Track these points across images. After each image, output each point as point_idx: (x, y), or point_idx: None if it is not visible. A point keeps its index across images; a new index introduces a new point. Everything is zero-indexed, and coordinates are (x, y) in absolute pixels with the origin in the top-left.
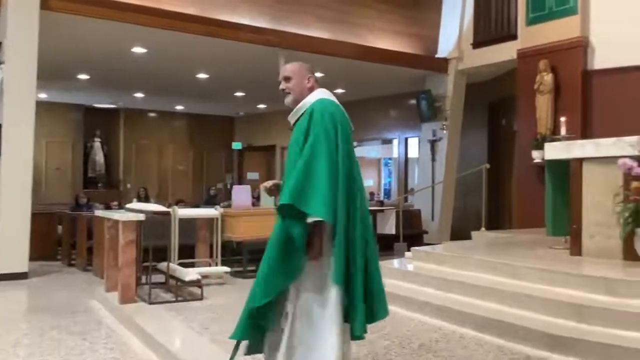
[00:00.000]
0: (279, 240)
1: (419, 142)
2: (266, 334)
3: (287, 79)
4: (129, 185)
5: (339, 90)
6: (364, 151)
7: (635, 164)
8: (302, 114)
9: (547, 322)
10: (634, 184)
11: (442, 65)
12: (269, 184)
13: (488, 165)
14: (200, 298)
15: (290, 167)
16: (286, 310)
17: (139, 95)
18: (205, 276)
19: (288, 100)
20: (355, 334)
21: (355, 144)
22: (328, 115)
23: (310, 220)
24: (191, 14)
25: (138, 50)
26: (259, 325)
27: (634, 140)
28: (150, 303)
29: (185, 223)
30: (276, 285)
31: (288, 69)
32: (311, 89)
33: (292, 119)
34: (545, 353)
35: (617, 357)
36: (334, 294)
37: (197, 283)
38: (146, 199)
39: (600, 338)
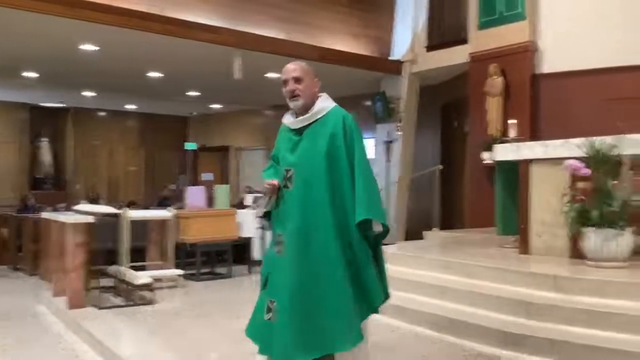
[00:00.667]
0: (370, 245)
1: (375, 143)
2: None
3: (298, 80)
4: (78, 187)
5: None
6: None
7: (581, 164)
8: (317, 119)
9: (499, 319)
10: (580, 184)
11: (396, 67)
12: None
13: (441, 167)
14: (152, 302)
15: (306, 166)
16: None
17: (89, 94)
18: (157, 280)
19: (297, 103)
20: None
21: None
22: (357, 128)
23: (378, 228)
24: (144, 12)
25: (88, 47)
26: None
27: (580, 142)
28: (100, 308)
29: (137, 225)
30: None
31: (297, 68)
32: (316, 93)
33: (299, 124)
34: (497, 350)
35: (565, 352)
36: None
37: (148, 287)
38: (96, 201)
39: (549, 334)
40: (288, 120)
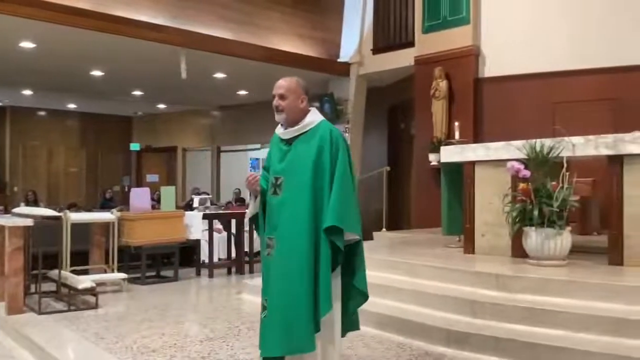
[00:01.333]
0: (329, 253)
1: None
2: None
3: (282, 96)
4: (15, 189)
5: (243, 92)
6: None
7: (522, 166)
8: (306, 131)
9: (444, 318)
10: (521, 185)
11: (344, 69)
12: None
13: (388, 168)
14: (95, 307)
15: (294, 174)
16: None
17: (27, 92)
18: (100, 284)
19: (280, 117)
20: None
21: (258, 146)
22: (343, 141)
23: (350, 238)
24: (83, 8)
25: (26, 45)
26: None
27: (520, 144)
28: (41, 313)
29: (79, 228)
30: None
31: (284, 86)
32: (304, 108)
33: (289, 134)
34: (442, 348)
35: (508, 350)
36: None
37: (91, 291)
38: (35, 203)
39: (493, 332)
40: (279, 130)
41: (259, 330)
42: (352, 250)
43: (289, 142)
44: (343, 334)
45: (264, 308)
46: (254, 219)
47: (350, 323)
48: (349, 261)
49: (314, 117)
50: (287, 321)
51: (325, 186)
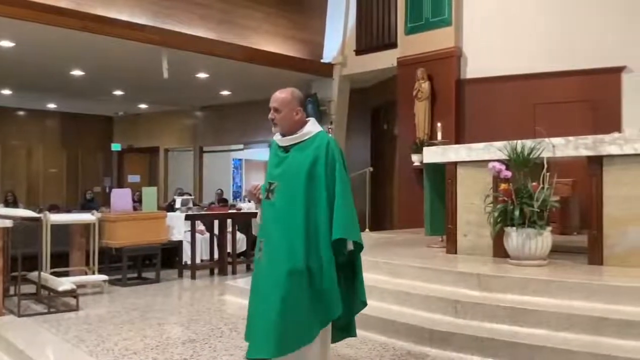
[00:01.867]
0: (333, 263)
1: None
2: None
3: (276, 110)
4: None
5: (225, 92)
6: (251, 154)
7: (503, 167)
8: (303, 140)
9: (427, 317)
10: (503, 185)
11: (327, 70)
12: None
13: (371, 169)
14: (76, 309)
15: (288, 180)
16: None
17: (6, 92)
18: (81, 285)
19: (275, 129)
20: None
21: (241, 146)
22: (340, 152)
23: (351, 246)
24: (62, 7)
25: (4, 43)
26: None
27: (502, 145)
28: (20, 315)
29: (59, 229)
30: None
31: (279, 99)
32: (300, 121)
33: (286, 142)
34: (425, 348)
35: (489, 349)
36: None
37: (72, 293)
38: (14, 204)
39: (475, 332)
40: (277, 137)
41: (242, 332)
42: (354, 255)
43: (286, 149)
44: (339, 339)
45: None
46: None
47: (346, 329)
48: (351, 267)
49: (312, 127)
50: (265, 327)
51: (321, 199)
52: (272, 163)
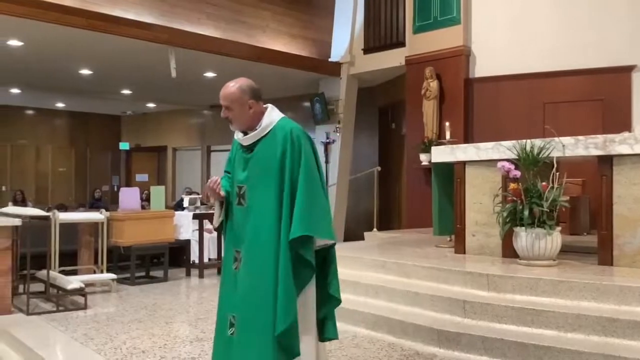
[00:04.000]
0: (292, 264)
1: None
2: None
3: (227, 108)
4: (3, 188)
5: None
6: None
7: (512, 166)
8: (265, 134)
9: (435, 318)
10: (512, 185)
11: (335, 69)
12: (216, 183)
13: (379, 168)
14: (84, 307)
15: (257, 182)
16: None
17: (15, 91)
18: (89, 284)
19: (232, 127)
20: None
21: None
22: (306, 139)
23: (321, 243)
24: (71, 6)
25: (13, 43)
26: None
27: (510, 144)
28: (29, 314)
29: (68, 228)
30: (295, 306)
31: (227, 96)
32: (257, 112)
33: (249, 140)
34: (433, 348)
35: (497, 349)
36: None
37: (80, 291)
38: (23, 203)
39: (484, 332)
40: (238, 136)
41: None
42: (327, 255)
43: (249, 148)
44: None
45: (230, 325)
46: (221, 228)
47: (327, 331)
48: (323, 267)
49: (271, 116)
50: (262, 337)
51: (289, 196)
52: (237, 164)
